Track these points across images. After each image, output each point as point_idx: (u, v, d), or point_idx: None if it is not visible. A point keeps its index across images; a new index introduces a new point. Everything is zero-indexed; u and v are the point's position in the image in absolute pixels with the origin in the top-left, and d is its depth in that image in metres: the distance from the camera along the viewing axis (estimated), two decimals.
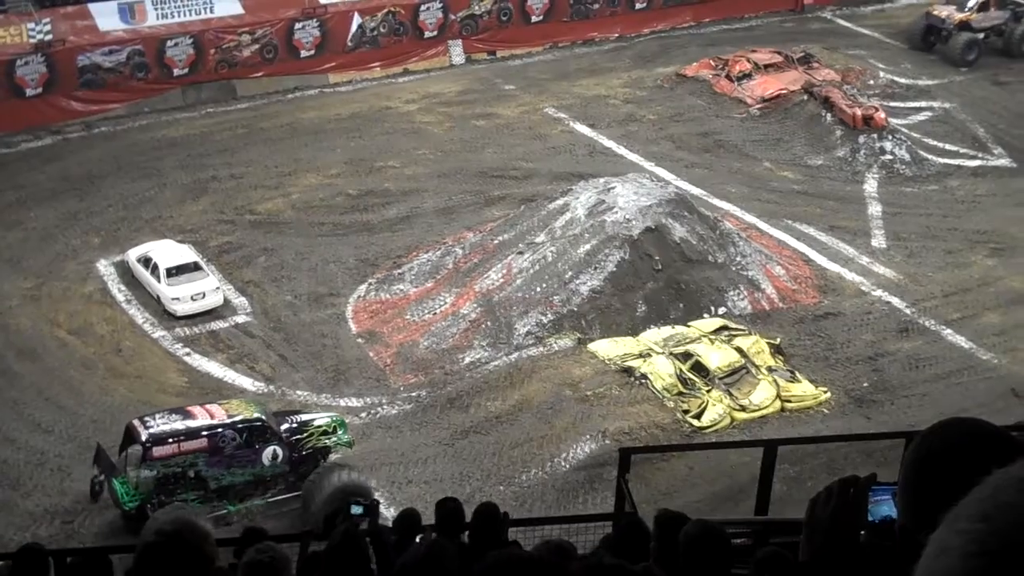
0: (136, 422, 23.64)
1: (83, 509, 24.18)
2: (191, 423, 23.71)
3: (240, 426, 23.77)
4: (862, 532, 3.97)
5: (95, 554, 10.50)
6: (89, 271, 33.27)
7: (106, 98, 42.80)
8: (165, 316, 31.23)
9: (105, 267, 33.41)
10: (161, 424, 23.48)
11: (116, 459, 23.59)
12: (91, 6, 42.86)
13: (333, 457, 24.83)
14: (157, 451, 23.01)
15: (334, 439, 24.73)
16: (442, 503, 10.47)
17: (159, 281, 31.46)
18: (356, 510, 9.59)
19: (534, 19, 50.56)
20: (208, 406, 24.83)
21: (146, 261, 32.23)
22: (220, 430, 23.58)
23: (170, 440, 23.19)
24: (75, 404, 27.87)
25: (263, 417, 24.26)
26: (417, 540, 10.46)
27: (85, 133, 41.62)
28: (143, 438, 23.03)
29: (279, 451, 24.00)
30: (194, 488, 23.52)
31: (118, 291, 32.40)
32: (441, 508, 10.34)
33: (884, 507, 4.45)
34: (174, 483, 23.36)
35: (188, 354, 30.07)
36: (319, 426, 24.78)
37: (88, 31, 42.65)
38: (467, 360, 29.87)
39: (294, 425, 24.70)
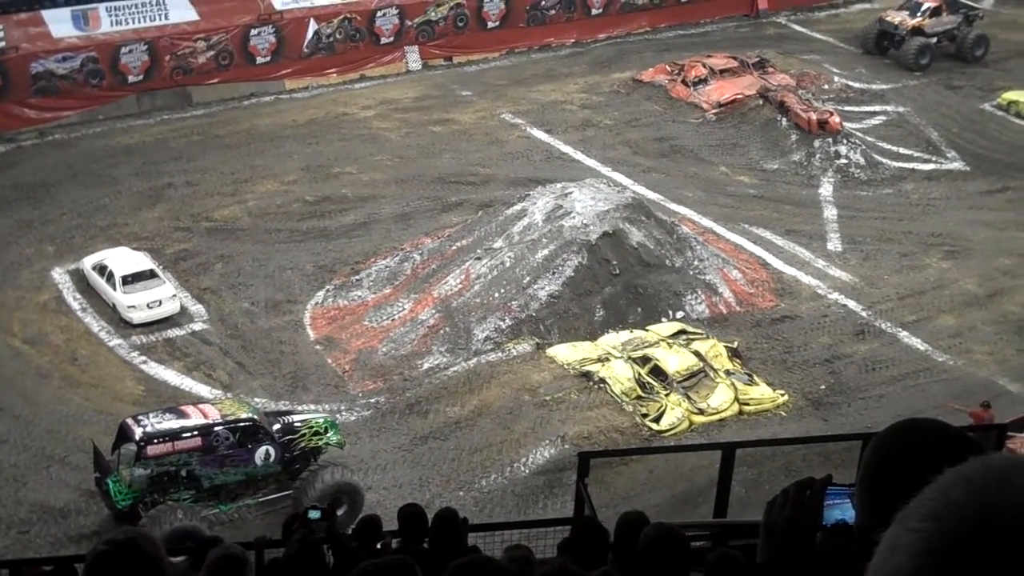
0: (130, 420, 23.68)
1: (39, 519, 24.00)
2: (185, 422, 23.76)
3: (233, 426, 23.83)
4: (818, 534, 3.99)
5: (62, 564, 10.43)
6: (44, 280, 32.99)
7: (60, 105, 42.44)
8: (121, 324, 31.01)
9: (60, 275, 33.14)
10: (155, 423, 23.52)
11: (109, 458, 23.52)
12: (44, 13, 42.51)
13: (324, 457, 24.92)
14: (151, 449, 23.01)
15: (325, 439, 24.83)
16: (403, 509, 10.47)
17: (115, 289, 31.24)
18: (314, 515, 9.54)
19: (490, 25, 50.59)
20: (201, 405, 25.06)
21: (101, 269, 32.00)
22: (214, 429, 23.64)
23: (164, 439, 23.17)
24: (30, 414, 27.62)
25: (256, 417, 24.41)
26: (378, 546, 10.43)
27: (39, 141, 41.27)
28: (137, 436, 23.01)
29: (271, 451, 24.11)
30: (187, 487, 23.59)
31: (73, 299, 32.15)
32: (402, 512, 10.34)
33: (836, 511, 4.49)
34: (167, 482, 23.41)
35: (145, 362, 29.88)
36: (311, 426, 24.88)
37: (41, 38, 42.30)
38: (426, 366, 29.84)
39: (286, 425, 24.81)
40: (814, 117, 42.01)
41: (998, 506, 1.86)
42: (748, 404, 28.56)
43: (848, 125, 43.01)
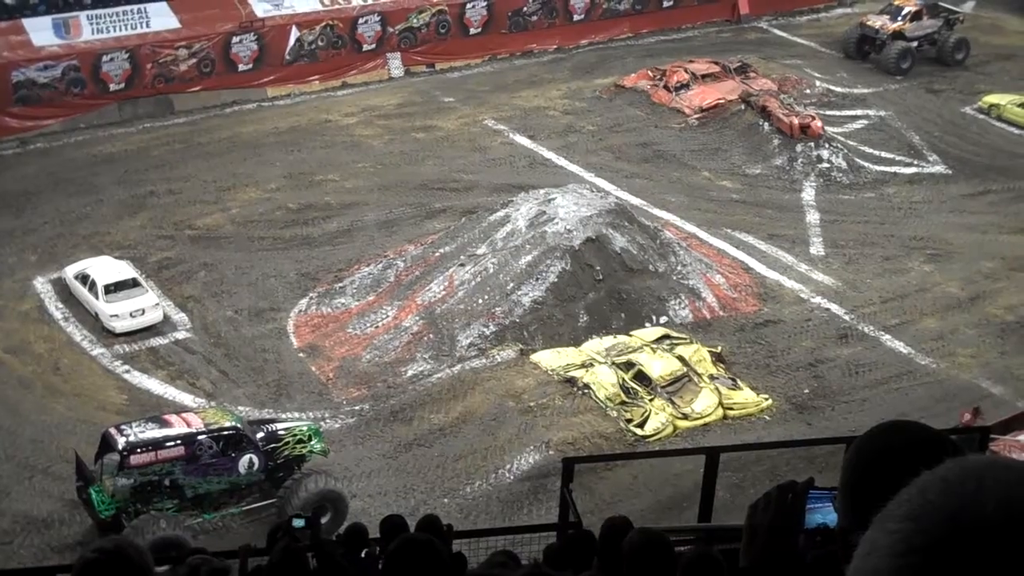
0: (113, 430, 23.60)
1: (22, 530, 23.90)
2: (168, 431, 23.70)
3: (217, 434, 23.78)
4: (801, 537, 4.00)
5: (41, 575, 10.39)
6: (26, 289, 32.89)
7: (41, 114, 42.33)
8: (104, 333, 30.92)
9: (42, 285, 33.03)
10: (138, 432, 23.43)
11: (91, 468, 23.43)
12: (25, 21, 42.44)
13: (307, 465, 24.88)
14: (134, 459, 22.95)
15: (309, 447, 24.81)
16: (385, 520, 10.49)
17: (97, 298, 31.15)
18: (298, 523, 9.52)
19: (472, 31, 50.61)
20: (184, 414, 24.99)
21: (84, 278, 31.90)
22: (197, 438, 23.57)
23: (147, 448, 23.09)
24: (13, 423, 27.52)
25: (239, 425, 24.35)
26: (363, 555, 10.42)
27: (20, 150, 41.16)
28: (120, 446, 22.93)
29: (255, 459, 24.07)
30: (170, 496, 23.53)
31: (55, 309, 32.05)
32: (384, 524, 10.36)
33: (818, 515, 4.49)
34: (150, 491, 23.32)
35: (128, 371, 29.79)
36: (295, 434, 24.84)
37: (22, 46, 42.19)
38: (410, 373, 29.80)
39: (270, 433, 24.80)
40: (796, 121, 42.11)
41: (974, 506, 1.88)
42: (732, 408, 28.59)
43: (830, 129, 43.15)
